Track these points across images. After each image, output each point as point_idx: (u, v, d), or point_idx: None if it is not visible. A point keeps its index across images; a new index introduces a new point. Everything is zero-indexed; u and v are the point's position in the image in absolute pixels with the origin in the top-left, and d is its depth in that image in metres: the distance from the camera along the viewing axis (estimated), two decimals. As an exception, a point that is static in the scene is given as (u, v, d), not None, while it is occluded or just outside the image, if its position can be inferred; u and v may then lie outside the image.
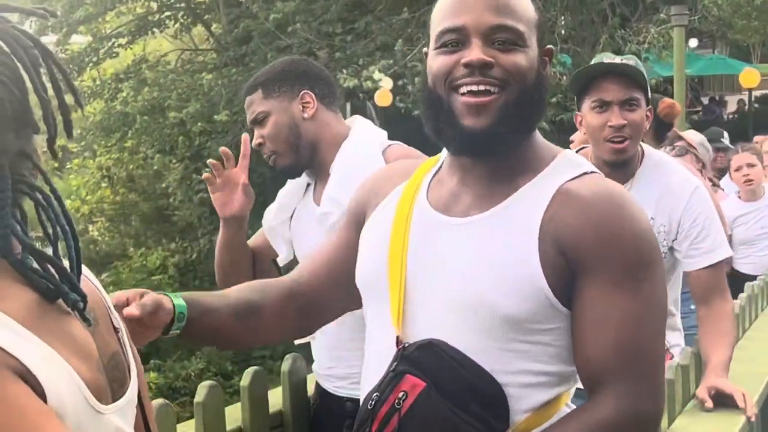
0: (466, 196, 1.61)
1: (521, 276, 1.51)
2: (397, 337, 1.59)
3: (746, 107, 22.83)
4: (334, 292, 1.78)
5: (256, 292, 1.78)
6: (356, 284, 1.72)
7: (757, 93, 23.91)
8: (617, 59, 2.78)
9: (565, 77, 12.67)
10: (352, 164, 2.42)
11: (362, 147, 2.46)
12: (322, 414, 2.52)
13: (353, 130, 2.54)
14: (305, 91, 2.51)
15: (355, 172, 2.31)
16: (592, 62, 2.85)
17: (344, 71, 13.08)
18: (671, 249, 2.79)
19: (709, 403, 2.45)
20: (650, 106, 2.80)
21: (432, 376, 1.52)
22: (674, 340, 2.88)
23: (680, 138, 5.57)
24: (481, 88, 1.52)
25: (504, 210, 1.57)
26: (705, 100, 29.98)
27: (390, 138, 2.52)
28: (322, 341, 2.52)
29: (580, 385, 1.60)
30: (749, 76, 21.03)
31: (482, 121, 1.52)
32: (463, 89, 1.53)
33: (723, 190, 5.98)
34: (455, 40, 1.55)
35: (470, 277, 1.53)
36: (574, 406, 1.61)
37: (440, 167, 1.71)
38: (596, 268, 1.50)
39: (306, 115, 2.50)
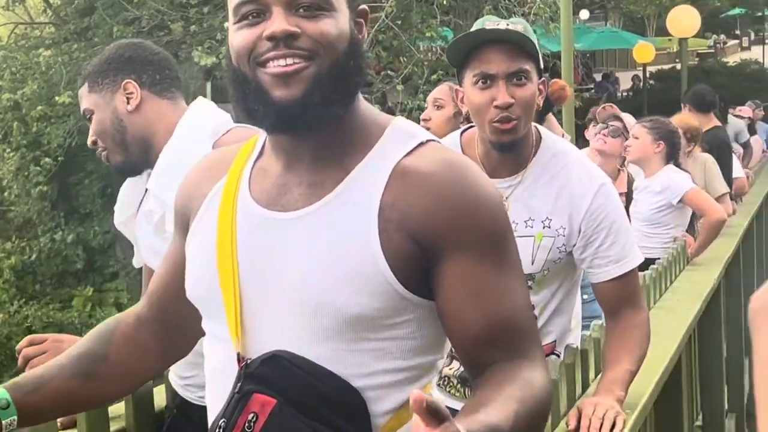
0: (294, 186, 1.59)
1: (363, 270, 1.50)
2: (238, 354, 1.56)
3: (641, 84, 23.52)
4: (184, 307, 1.73)
5: (102, 335, 1.79)
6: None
7: (652, 69, 24.69)
8: (502, 24, 2.55)
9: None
10: (173, 155, 2.37)
11: (189, 134, 2.41)
12: (181, 425, 2.48)
13: (185, 115, 2.47)
14: (127, 80, 2.45)
15: (176, 163, 2.26)
16: (473, 28, 2.60)
17: (199, 48, 12.91)
18: (570, 254, 2.59)
19: (572, 424, 2.34)
20: (543, 79, 2.60)
21: (281, 391, 1.51)
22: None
23: (617, 118, 5.70)
24: (289, 61, 1.50)
25: (336, 198, 1.55)
26: (597, 77, 30.82)
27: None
28: None
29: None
30: (643, 50, 21.74)
31: (293, 91, 1.50)
32: (270, 64, 1.51)
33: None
34: (254, 10, 1.53)
35: (309, 278, 1.52)
36: (438, 396, 1.64)
37: (261, 153, 1.68)
38: (457, 246, 1.52)
39: (130, 108, 2.45)
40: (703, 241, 5.19)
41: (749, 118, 10.97)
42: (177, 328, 1.80)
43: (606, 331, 2.58)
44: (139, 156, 2.46)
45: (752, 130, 11.16)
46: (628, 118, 5.68)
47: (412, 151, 1.58)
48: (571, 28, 7.75)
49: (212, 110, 2.51)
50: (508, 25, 2.52)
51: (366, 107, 1.63)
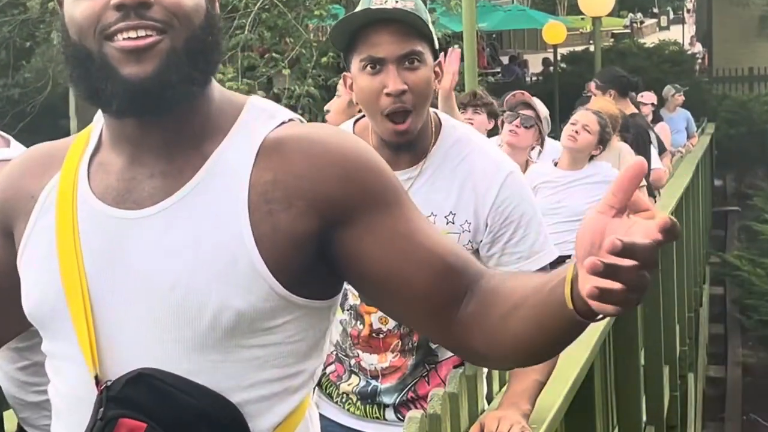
0: (144, 179, 1.55)
1: (235, 268, 1.49)
2: (96, 377, 1.53)
3: (552, 67, 23.86)
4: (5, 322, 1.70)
5: None
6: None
7: (563, 50, 25.03)
8: (390, 2, 2.53)
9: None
10: None
11: None
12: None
13: None
14: None
15: None
16: (358, 7, 2.59)
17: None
18: (477, 252, 2.60)
19: None
20: (439, 60, 2.61)
21: (152, 413, 1.48)
22: None
23: (528, 105, 5.60)
24: (141, 33, 1.47)
25: (197, 187, 1.53)
26: (505, 60, 31.21)
27: None
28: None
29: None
30: (554, 30, 22.07)
31: (146, 67, 1.47)
32: (118, 37, 1.48)
33: None
34: None
35: (172, 282, 1.50)
36: (315, 408, 1.65)
37: (97, 146, 1.63)
38: (363, 210, 1.53)
39: None
40: None
41: (652, 104, 11.18)
42: None
43: None
44: None
45: (657, 118, 11.36)
46: (539, 106, 5.66)
47: (276, 128, 1.58)
48: (473, 5, 7.81)
49: None
50: (396, 2, 2.51)
51: (217, 87, 1.61)
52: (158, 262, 1.51)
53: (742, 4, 21.64)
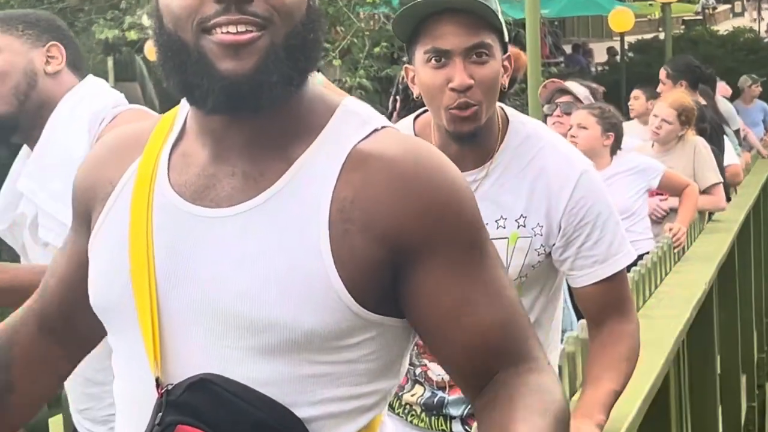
0: (225, 177, 1.55)
1: (311, 283, 1.48)
2: (157, 379, 1.53)
3: (618, 57, 23.71)
4: (81, 319, 1.71)
5: None
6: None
7: (630, 39, 24.88)
8: None
9: (391, 20, 12.81)
10: (42, 147, 2.46)
11: (65, 116, 2.50)
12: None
13: (67, 94, 2.58)
14: (54, 44, 2.62)
15: (50, 152, 2.36)
16: None
17: (101, 20, 12.81)
18: (549, 256, 2.59)
19: None
20: (509, 54, 2.59)
21: (211, 421, 1.48)
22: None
23: (564, 91, 5.67)
24: (241, 28, 1.47)
25: (279, 193, 1.52)
26: (567, 49, 31.07)
27: (167, 102, 2.52)
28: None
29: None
30: (621, 17, 21.88)
31: (245, 63, 1.47)
32: (217, 31, 1.47)
33: None
34: None
35: (244, 290, 1.49)
36: (389, 425, 1.64)
37: (181, 134, 1.63)
38: (434, 249, 1.51)
39: (49, 70, 2.61)
40: (691, 212, 5.49)
41: (724, 97, 11.09)
42: (80, 331, 1.77)
43: (590, 340, 2.59)
44: (28, 119, 2.58)
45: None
46: (575, 87, 5.71)
47: (367, 136, 1.55)
48: (537, -10, 7.80)
49: (100, 89, 2.60)
50: None
51: (312, 86, 1.60)
52: (229, 267, 1.50)
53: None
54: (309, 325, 1.48)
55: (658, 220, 6.00)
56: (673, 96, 6.28)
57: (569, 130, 5.28)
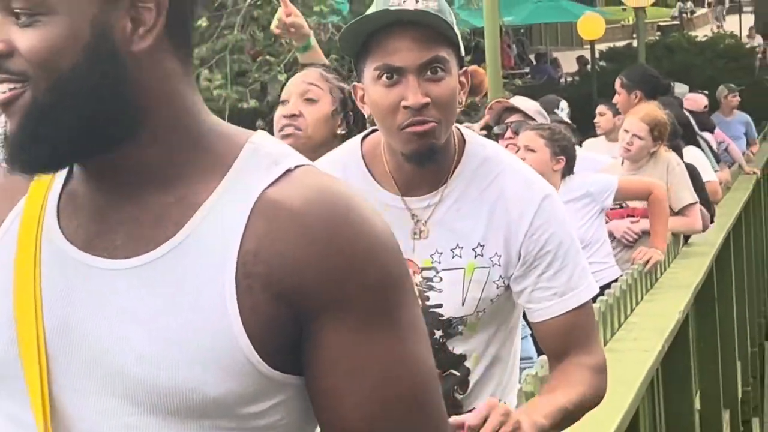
0: (115, 223, 1.50)
1: (217, 345, 1.44)
2: None
3: (589, 66, 23.90)
4: None
5: None
6: None
7: (602, 46, 25.11)
8: (409, 2, 2.47)
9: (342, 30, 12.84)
10: None
11: None
12: None
13: None
14: None
15: None
16: (372, 7, 2.55)
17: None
18: (508, 288, 2.58)
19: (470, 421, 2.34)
20: (465, 69, 2.59)
21: None
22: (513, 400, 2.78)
23: (512, 109, 5.65)
24: (2, 88, 1.44)
25: (181, 244, 1.47)
26: (535, 59, 31.28)
27: None
28: None
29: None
30: (591, 24, 22.06)
31: (11, 124, 1.45)
32: None
33: None
34: None
35: (144, 352, 1.45)
36: None
37: (70, 169, 1.57)
38: (334, 308, 1.47)
39: None
40: (663, 226, 5.40)
41: (705, 107, 11.16)
42: None
43: (550, 370, 2.61)
44: None
45: (704, 124, 11.27)
46: (524, 103, 5.70)
47: (278, 180, 1.50)
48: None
49: None
50: (417, 2, 2.47)
51: (206, 120, 1.54)
52: (127, 326, 1.46)
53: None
54: (216, 389, 1.45)
55: (629, 244, 6.04)
56: (645, 109, 6.30)
57: (517, 152, 5.17)
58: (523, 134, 5.24)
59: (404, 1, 2.47)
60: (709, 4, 47.20)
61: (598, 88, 19.49)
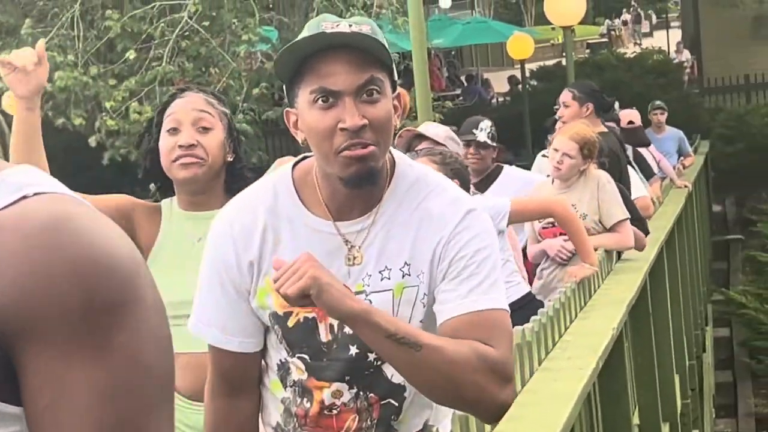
0: None
1: None
2: None
3: (519, 86, 24.05)
4: None
5: None
6: None
7: (533, 66, 25.28)
8: (343, 24, 2.50)
9: (272, 59, 12.83)
10: None
11: None
12: None
13: None
14: None
15: None
16: (305, 32, 2.57)
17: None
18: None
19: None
20: (399, 92, 2.62)
21: None
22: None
23: (420, 137, 5.68)
24: None
25: None
26: (466, 80, 31.42)
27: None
28: None
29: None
30: (520, 44, 22.26)
31: None
32: None
33: None
34: None
35: None
36: None
37: None
38: (35, 333, 1.39)
39: None
40: (582, 240, 5.41)
41: (632, 122, 11.23)
42: None
43: None
44: None
45: (640, 139, 11.35)
46: (433, 129, 5.72)
47: (12, 204, 1.44)
48: (422, 20, 7.86)
49: None
50: (351, 25, 2.49)
51: None
52: None
53: (732, 5, 21.95)
54: None
55: (564, 262, 6.07)
56: (574, 128, 6.34)
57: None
58: (416, 160, 5.22)
59: (338, 24, 2.49)
60: (624, 23, 47.49)
61: (529, 107, 19.65)
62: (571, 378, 3.81)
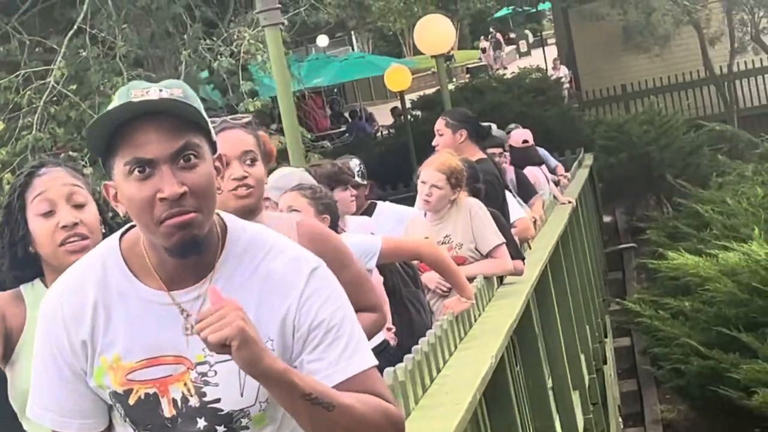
0: None
1: None
2: None
3: (402, 117, 24.11)
4: None
5: None
6: None
7: (413, 96, 25.39)
8: (153, 90, 2.44)
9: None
10: None
11: None
12: None
13: None
14: None
15: None
16: (115, 100, 2.48)
17: None
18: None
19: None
20: (219, 154, 2.54)
21: None
22: None
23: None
24: None
25: None
26: (350, 116, 31.49)
27: None
28: None
29: None
30: (397, 75, 22.28)
31: None
32: None
33: None
34: None
35: None
36: None
37: None
38: None
39: None
40: (455, 278, 5.37)
41: (525, 141, 11.32)
42: None
43: None
44: None
45: (531, 158, 11.45)
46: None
47: None
48: (284, 63, 7.78)
49: None
50: (161, 91, 2.44)
51: None
52: None
53: (599, 18, 22.29)
54: None
55: (445, 294, 6.04)
56: (439, 159, 6.33)
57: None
58: (284, 196, 5.07)
59: (147, 91, 2.43)
60: (483, 50, 47.70)
61: (414, 137, 19.68)
62: (448, 415, 3.76)
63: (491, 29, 48.31)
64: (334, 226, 5.08)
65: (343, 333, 2.52)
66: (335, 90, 35.30)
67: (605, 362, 11.65)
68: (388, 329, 5.27)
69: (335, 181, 6.35)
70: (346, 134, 27.30)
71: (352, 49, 40.10)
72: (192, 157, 2.43)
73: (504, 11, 34.37)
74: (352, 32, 39.29)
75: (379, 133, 27.28)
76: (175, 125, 2.42)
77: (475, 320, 5.41)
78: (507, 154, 10.03)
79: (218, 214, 2.58)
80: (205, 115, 2.50)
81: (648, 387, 13.14)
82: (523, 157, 11.12)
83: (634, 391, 13.33)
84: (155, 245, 2.49)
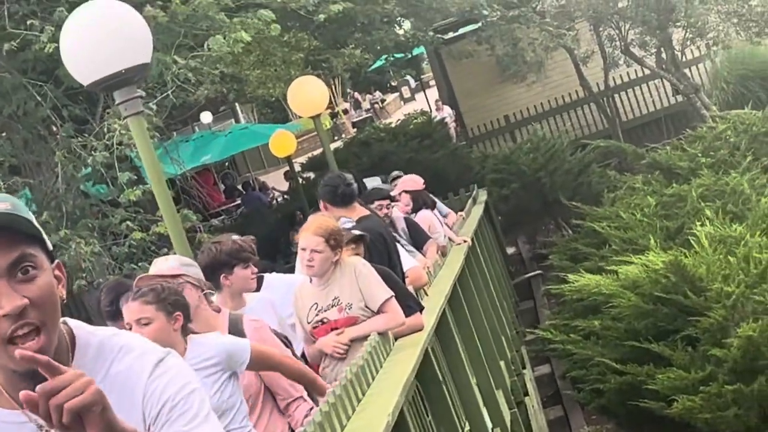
0: None
1: None
2: None
3: (293, 182, 24.07)
4: None
5: None
6: None
7: (302, 159, 25.36)
8: None
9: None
10: None
11: None
12: None
13: None
14: None
15: None
16: None
17: None
18: None
19: None
20: (58, 262, 2.49)
21: None
22: None
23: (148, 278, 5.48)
24: None
25: None
26: (243, 188, 31.40)
27: None
28: None
29: None
30: (281, 141, 22.23)
31: None
32: None
33: None
34: None
35: None
36: None
37: None
38: None
39: None
40: (316, 384, 5.39)
41: (415, 191, 11.38)
42: None
43: None
44: None
45: (425, 201, 11.53)
46: (159, 265, 5.59)
47: None
48: (151, 151, 7.68)
49: None
50: None
51: None
52: None
53: (468, 55, 22.48)
54: None
55: (342, 357, 6.00)
56: (315, 223, 6.31)
57: (130, 328, 4.81)
58: (128, 309, 4.88)
59: None
60: (345, 111, 47.85)
61: (308, 199, 19.62)
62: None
63: (348, 89, 48.85)
64: (187, 318, 4.94)
65: (190, 407, 2.50)
66: (226, 164, 35.18)
67: (526, 394, 11.64)
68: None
69: (236, 259, 6.34)
70: (242, 207, 27.18)
71: (236, 121, 40.06)
72: (29, 268, 2.38)
73: (380, 62, 34.43)
74: (236, 104, 39.24)
75: (274, 201, 27.19)
76: (7, 238, 2.37)
77: (373, 379, 5.35)
78: (395, 203, 10.08)
79: (65, 322, 2.54)
80: (37, 225, 2.45)
81: (573, 411, 13.14)
82: (416, 202, 11.22)
83: (560, 417, 13.32)
84: (4, 368, 2.43)
